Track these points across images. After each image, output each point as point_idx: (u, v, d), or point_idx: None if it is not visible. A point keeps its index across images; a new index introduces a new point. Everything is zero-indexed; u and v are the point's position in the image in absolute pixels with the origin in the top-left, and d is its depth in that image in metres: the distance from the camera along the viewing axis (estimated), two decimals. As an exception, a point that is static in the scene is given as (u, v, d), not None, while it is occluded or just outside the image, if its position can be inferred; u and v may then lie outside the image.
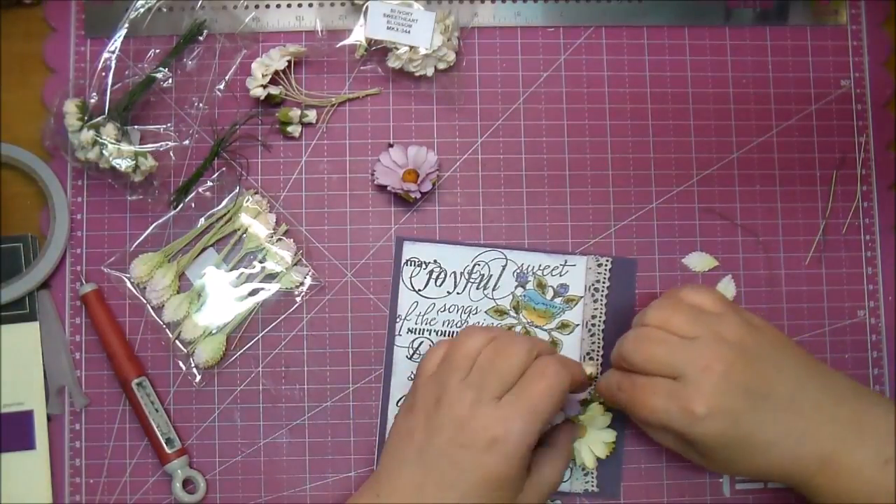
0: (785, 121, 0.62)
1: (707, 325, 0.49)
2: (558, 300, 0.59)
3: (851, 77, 0.62)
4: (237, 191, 0.59)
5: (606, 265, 0.60)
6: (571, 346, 0.59)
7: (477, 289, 0.59)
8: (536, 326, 0.59)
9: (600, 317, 0.59)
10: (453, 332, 0.59)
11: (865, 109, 0.62)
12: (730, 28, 0.62)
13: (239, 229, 0.59)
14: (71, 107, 0.55)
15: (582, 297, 0.59)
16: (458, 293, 0.59)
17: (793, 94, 0.62)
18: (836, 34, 0.63)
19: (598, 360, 0.59)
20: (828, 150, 0.62)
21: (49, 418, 0.57)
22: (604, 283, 0.59)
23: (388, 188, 0.58)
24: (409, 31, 0.58)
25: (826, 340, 0.60)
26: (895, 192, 0.62)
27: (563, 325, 0.59)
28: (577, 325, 0.59)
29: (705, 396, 0.47)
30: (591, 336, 0.59)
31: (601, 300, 0.59)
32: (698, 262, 0.60)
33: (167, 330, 0.58)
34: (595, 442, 0.57)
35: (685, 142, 0.61)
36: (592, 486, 0.58)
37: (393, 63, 0.59)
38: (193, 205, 0.59)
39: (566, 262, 0.59)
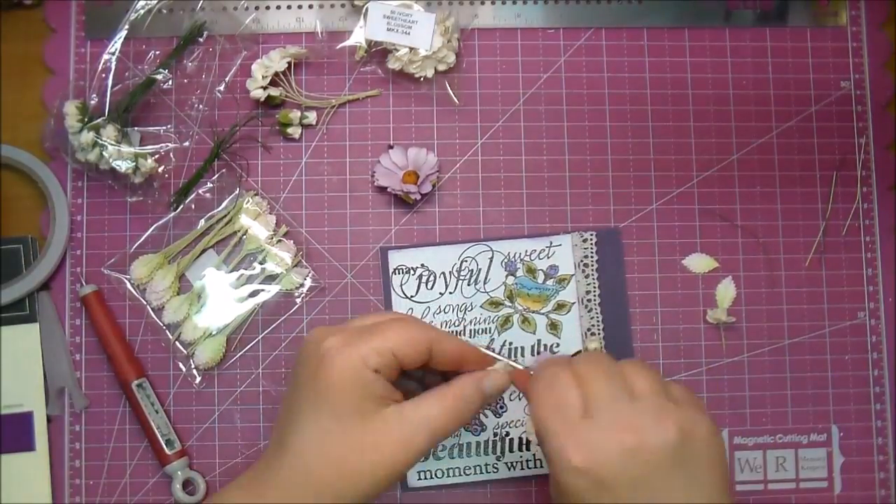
0: (785, 122, 0.62)
1: (663, 400, 0.43)
2: (550, 282, 0.59)
3: (851, 78, 0.62)
4: (237, 192, 0.59)
5: (591, 239, 0.60)
6: (571, 325, 0.59)
7: (468, 285, 0.59)
8: (533, 312, 0.59)
9: (594, 291, 0.59)
10: (452, 332, 0.59)
11: (865, 111, 0.62)
12: (730, 29, 0.62)
13: (239, 231, 0.59)
14: (71, 108, 0.55)
15: (573, 275, 0.59)
16: (450, 293, 0.59)
17: (793, 96, 0.62)
18: (835, 35, 0.63)
19: (599, 335, 0.59)
20: (828, 151, 0.62)
21: (49, 419, 0.57)
22: (592, 257, 0.59)
23: (388, 190, 0.58)
24: (408, 33, 0.58)
25: (826, 342, 0.60)
26: (895, 193, 0.62)
27: (560, 306, 0.59)
28: (573, 303, 0.59)
29: (594, 452, 0.41)
30: (589, 312, 0.59)
31: (592, 275, 0.59)
32: (698, 263, 0.60)
33: (167, 331, 0.58)
34: None
35: (685, 143, 0.61)
36: None
37: (393, 64, 0.59)
38: (193, 206, 0.59)
39: (551, 243, 0.60)
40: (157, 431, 0.56)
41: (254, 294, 0.58)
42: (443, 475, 0.58)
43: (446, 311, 0.59)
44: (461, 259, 0.59)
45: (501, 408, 0.59)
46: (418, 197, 0.59)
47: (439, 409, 0.44)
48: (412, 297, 0.59)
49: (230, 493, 0.45)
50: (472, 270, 0.59)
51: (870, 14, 0.63)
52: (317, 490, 0.43)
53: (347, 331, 0.44)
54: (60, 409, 0.58)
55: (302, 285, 0.58)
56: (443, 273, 0.59)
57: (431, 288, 0.59)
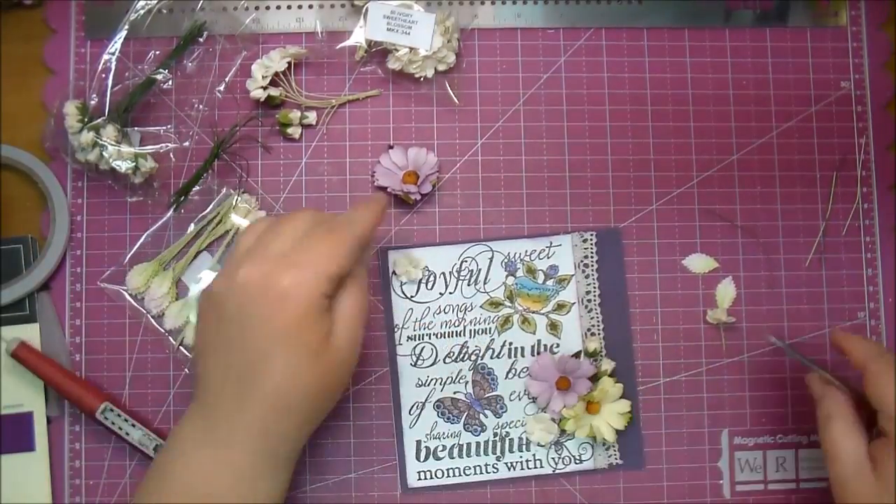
0: (785, 122, 0.62)
1: None
2: (550, 282, 0.59)
3: (851, 78, 0.62)
4: (224, 192, 0.59)
5: (591, 239, 0.60)
6: (571, 326, 0.59)
7: (468, 285, 0.59)
8: (533, 312, 0.59)
9: (594, 292, 0.59)
10: (451, 332, 0.59)
11: (865, 111, 0.62)
12: (730, 29, 0.62)
13: (231, 230, 0.59)
14: (71, 108, 0.55)
15: (573, 275, 0.59)
16: (450, 293, 0.59)
17: (793, 96, 0.62)
18: (836, 36, 0.63)
19: (599, 335, 0.59)
20: (828, 151, 0.62)
21: (49, 420, 0.57)
22: (592, 257, 0.60)
23: (389, 190, 0.58)
24: (409, 33, 0.58)
25: (826, 342, 0.60)
26: (895, 193, 0.62)
27: (560, 306, 0.59)
28: (573, 303, 0.59)
29: None
30: (589, 312, 0.59)
31: (592, 275, 0.59)
32: (698, 263, 0.60)
33: (170, 338, 0.58)
34: (611, 415, 0.57)
35: (685, 143, 0.61)
36: (616, 458, 0.58)
37: (393, 64, 0.59)
38: (194, 207, 0.59)
39: (551, 243, 0.60)
40: (139, 447, 0.56)
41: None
42: (443, 475, 0.58)
43: (446, 311, 0.59)
44: (461, 259, 0.59)
45: (501, 408, 0.59)
46: (418, 197, 0.59)
47: (360, 302, 0.49)
48: (412, 297, 0.59)
49: (188, 428, 0.48)
50: (472, 271, 0.59)
51: (870, 14, 0.63)
52: (293, 418, 0.47)
53: (294, 264, 0.46)
54: (60, 409, 0.58)
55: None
56: (443, 273, 0.59)
57: (431, 288, 0.59)
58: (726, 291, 0.60)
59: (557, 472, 0.58)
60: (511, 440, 0.58)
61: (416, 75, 0.59)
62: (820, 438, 0.52)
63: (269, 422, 0.46)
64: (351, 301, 0.49)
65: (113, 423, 0.56)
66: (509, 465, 0.58)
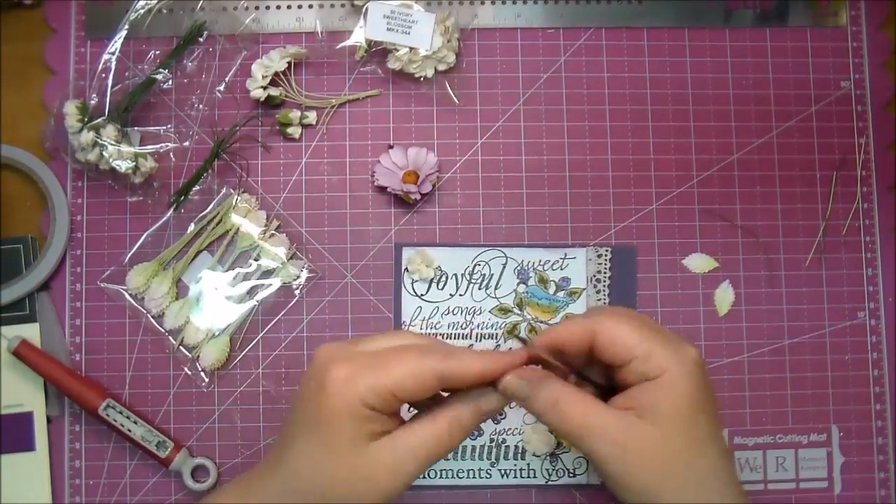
0: (785, 122, 0.62)
1: None
2: (561, 294, 0.59)
3: (851, 78, 0.62)
4: (224, 191, 0.59)
5: (606, 255, 0.60)
6: None
7: (479, 289, 0.59)
8: (541, 321, 0.59)
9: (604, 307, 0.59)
10: (458, 335, 0.59)
11: (865, 111, 0.62)
12: (730, 29, 0.62)
13: (230, 230, 0.59)
14: (71, 108, 0.55)
15: (584, 289, 0.59)
16: (460, 295, 0.59)
17: (793, 96, 0.62)
18: (835, 35, 0.63)
19: None
20: (828, 151, 0.62)
21: (49, 419, 0.57)
22: (605, 273, 0.59)
23: (388, 189, 0.58)
24: (409, 33, 0.58)
25: (826, 342, 0.60)
26: (895, 193, 0.62)
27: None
28: None
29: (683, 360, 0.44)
30: None
31: (604, 291, 0.59)
32: (698, 263, 0.60)
33: (170, 337, 0.58)
34: None
35: (685, 143, 0.61)
36: None
37: (393, 64, 0.59)
38: (194, 207, 0.59)
39: (566, 255, 0.60)
40: (142, 442, 0.56)
41: (252, 291, 0.58)
42: (435, 475, 0.58)
43: (455, 312, 0.59)
44: (475, 262, 0.59)
45: (501, 414, 0.58)
46: (418, 197, 0.59)
47: (430, 434, 0.43)
48: (422, 295, 0.59)
49: (223, 494, 0.47)
50: (485, 275, 0.59)
51: (870, 14, 0.63)
52: None
53: (354, 360, 0.44)
54: (60, 409, 0.58)
55: (299, 276, 0.58)
56: (455, 275, 0.59)
57: (442, 288, 0.59)
58: (725, 296, 0.60)
59: (550, 483, 0.58)
60: (507, 447, 0.58)
61: (416, 75, 0.59)
62: (557, 429, 0.44)
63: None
64: (419, 439, 0.43)
65: (115, 420, 0.56)
66: (503, 472, 0.58)
